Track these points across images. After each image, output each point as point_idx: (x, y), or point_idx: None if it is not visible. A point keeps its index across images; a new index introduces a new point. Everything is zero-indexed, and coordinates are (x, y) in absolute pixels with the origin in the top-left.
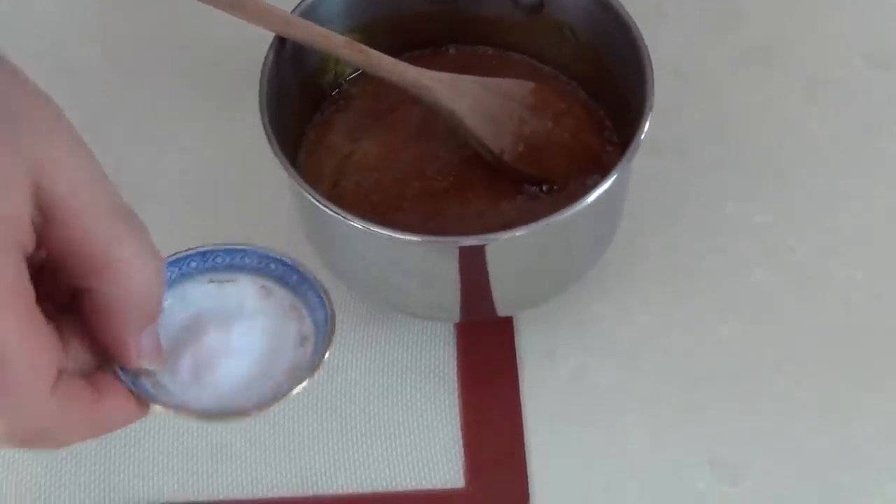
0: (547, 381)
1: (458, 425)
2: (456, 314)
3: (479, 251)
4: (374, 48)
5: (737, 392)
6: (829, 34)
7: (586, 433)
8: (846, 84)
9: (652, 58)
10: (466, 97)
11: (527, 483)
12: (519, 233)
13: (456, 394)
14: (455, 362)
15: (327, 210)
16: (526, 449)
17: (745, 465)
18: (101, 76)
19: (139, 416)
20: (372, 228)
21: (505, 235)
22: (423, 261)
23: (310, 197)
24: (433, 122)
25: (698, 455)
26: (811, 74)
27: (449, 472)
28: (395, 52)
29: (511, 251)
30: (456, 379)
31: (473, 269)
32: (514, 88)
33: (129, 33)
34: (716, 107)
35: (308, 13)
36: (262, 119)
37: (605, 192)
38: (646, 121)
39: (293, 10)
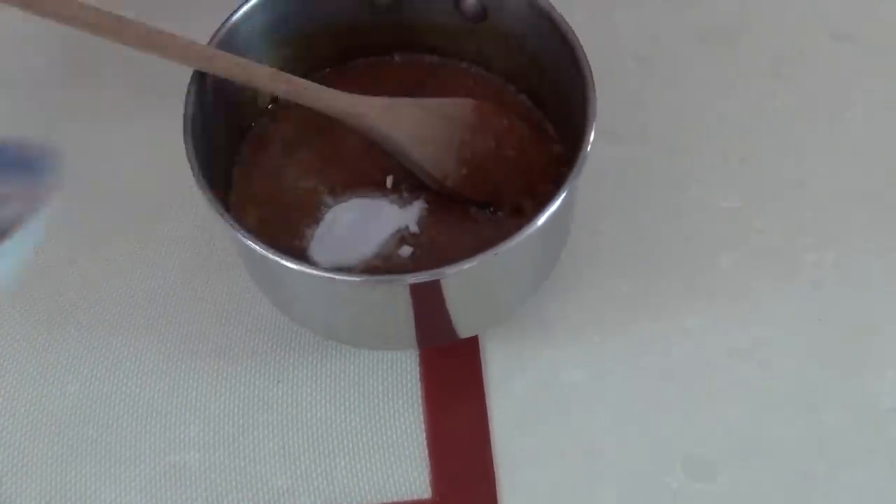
0: (514, 384)
1: (424, 434)
2: (411, 343)
3: (428, 287)
4: (315, 59)
5: (706, 384)
6: (791, 8)
7: (555, 436)
8: (811, 59)
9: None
10: (404, 122)
11: (495, 490)
12: (468, 265)
13: (420, 402)
14: (419, 369)
15: (258, 249)
16: (493, 455)
17: (717, 460)
18: (49, 78)
19: None
20: (303, 269)
21: (453, 270)
22: (367, 299)
23: (242, 238)
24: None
25: (670, 453)
26: (775, 51)
27: (415, 483)
28: (338, 61)
29: (461, 282)
30: (420, 387)
31: (424, 303)
32: (455, 109)
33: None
34: (678, 90)
35: (228, 39)
36: (187, 150)
37: (553, 213)
38: (589, 137)
39: (213, 36)
